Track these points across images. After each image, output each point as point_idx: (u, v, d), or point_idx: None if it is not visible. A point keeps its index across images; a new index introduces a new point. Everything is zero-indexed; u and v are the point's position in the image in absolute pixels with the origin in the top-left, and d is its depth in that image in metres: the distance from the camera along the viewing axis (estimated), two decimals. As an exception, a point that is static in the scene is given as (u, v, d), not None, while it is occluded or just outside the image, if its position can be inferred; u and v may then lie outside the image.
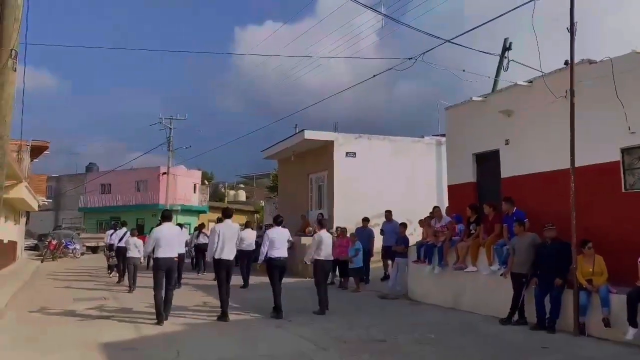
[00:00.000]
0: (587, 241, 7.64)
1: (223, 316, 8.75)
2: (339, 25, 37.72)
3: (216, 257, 8.89)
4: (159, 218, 9.29)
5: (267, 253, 9.27)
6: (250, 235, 14.19)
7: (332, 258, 10.12)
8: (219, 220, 9.35)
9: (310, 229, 15.20)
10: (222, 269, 8.91)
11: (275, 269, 9.25)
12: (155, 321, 8.38)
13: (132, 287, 12.80)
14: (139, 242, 13.19)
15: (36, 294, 12.31)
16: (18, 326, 8.34)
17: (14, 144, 17.70)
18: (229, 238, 8.96)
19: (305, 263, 9.64)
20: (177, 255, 9.18)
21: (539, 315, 7.89)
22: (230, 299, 9.10)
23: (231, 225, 9.22)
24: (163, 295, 8.53)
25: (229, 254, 8.97)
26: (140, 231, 15.99)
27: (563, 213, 8.02)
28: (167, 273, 8.66)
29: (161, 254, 8.56)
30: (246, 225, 14.65)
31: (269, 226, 12.30)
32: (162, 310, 8.45)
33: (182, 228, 14.49)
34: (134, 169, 42.41)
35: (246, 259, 13.70)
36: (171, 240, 8.75)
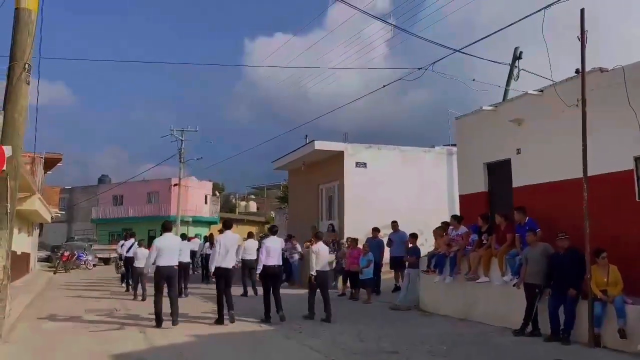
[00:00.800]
0: (602, 251, 7.50)
1: (220, 320, 9.27)
2: (349, 37, 37.86)
3: (215, 265, 9.41)
4: (160, 229, 9.75)
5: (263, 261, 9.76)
6: (252, 246, 14.34)
7: (328, 268, 10.50)
8: (220, 232, 9.88)
9: (308, 243, 15.20)
10: (220, 276, 9.42)
11: (270, 276, 9.73)
12: (168, 327, 8.75)
13: (143, 295, 13.06)
14: (147, 252, 13.36)
15: (48, 305, 12.38)
16: (30, 337, 8.37)
17: (28, 157, 17.92)
18: (228, 247, 9.46)
19: (312, 275, 9.80)
20: (177, 264, 9.67)
21: (553, 326, 7.77)
22: (238, 309, 9.43)
23: (231, 236, 9.73)
24: (162, 300, 9.08)
25: (228, 262, 9.48)
26: (150, 242, 16.20)
27: (575, 222, 7.92)
28: (168, 280, 9.20)
29: (161, 262, 9.12)
30: (248, 236, 14.89)
31: (265, 236, 13.01)
32: (161, 314, 9.02)
33: (185, 239, 14.84)
34: (145, 180, 42.77)
35: (248, 269, 13.98)
36: (171, 250, 9.32)
